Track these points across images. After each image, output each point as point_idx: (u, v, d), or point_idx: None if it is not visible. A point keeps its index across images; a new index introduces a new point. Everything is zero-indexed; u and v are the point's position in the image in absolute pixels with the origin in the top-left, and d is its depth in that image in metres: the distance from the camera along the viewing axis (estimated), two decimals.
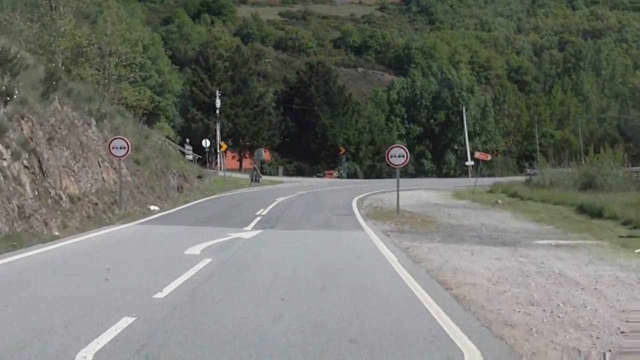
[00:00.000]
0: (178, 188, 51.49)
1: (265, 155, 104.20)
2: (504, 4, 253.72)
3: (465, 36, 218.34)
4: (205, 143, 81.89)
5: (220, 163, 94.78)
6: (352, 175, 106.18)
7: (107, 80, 67.82)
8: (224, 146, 71.51)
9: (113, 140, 35.15)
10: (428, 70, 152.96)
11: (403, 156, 37.52)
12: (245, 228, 27.05)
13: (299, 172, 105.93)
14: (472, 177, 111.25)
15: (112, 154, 34.84)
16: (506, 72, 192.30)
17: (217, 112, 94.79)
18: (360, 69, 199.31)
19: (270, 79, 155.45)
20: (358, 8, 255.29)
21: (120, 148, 34.43)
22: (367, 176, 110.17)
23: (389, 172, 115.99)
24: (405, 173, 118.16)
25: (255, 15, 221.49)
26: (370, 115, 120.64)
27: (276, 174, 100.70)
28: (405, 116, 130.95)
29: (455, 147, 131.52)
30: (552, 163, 65.91)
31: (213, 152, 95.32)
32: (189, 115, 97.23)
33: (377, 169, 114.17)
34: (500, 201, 48.59)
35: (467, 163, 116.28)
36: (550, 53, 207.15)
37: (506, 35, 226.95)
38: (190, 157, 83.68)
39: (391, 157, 37.71)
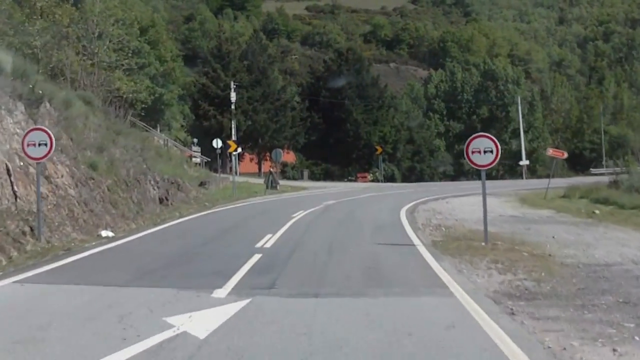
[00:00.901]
0: (162, 200, 38.51)
1: (288, 156, 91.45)
2: None
3: (504, 28, 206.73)
4: (217, 143, 69.40)
5: (234, 166, 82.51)
6: (389, 178, 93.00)
7: (95, 68, 56.70)
8: (233, 146, 58.08)
9: (28, 133, 22.20)
10: (465, 64, 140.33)
11: (492, 151, 23.40)
12: (215, 293, 13.86)
13: (327, 176, 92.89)
14: (526, 179, 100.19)
15: (25, 153, 21.95)
16: (548, 65, 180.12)
17: (233, 107, 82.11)
18: (392, 64, 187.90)
19: (297, 76, 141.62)
20: (389, 1, 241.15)
21: (40, 145, 21.63)
22: (405, 179, 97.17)
23: (430, 175, 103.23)
24: (444, 175, 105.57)
25: (280, 10, 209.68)
26: (409, 110, 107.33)
27: (300, 178, 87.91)
28: (444, 112, 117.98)
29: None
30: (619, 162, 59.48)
31: (227, 154, 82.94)
32: (200, 111, 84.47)
33: (416, 171, 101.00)
34: (597, 211, 36.12)
35: (521, 163, 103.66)
36: (595, 44, 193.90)
37: (547, 27, 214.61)
38: (198, 159, 71.02)
39: (473, 153, 23.46)
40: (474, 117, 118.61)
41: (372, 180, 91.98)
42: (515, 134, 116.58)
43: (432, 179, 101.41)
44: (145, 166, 38.56)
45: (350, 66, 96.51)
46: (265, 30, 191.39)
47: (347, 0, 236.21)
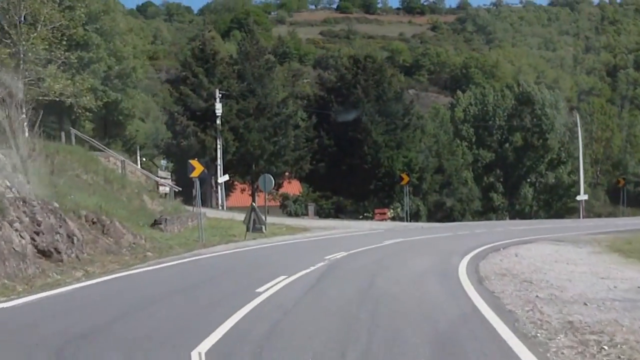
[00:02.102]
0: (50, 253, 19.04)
1: (290, 186, 71.15)
2: (569, 21, 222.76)
3: (529, 55, 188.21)
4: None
5: (220, 198, 62.34)
6: (412, 215, 72.21)
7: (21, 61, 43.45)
8: (199, 168, 36.78)
9: None
10: (493, 90, 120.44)
11: None
12: None
13: (339, 211, 71.67)
14: (582, 217, 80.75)
15: None
16: (576, 94, 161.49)
17: (218, 122, 61.99)
18: (412, 91, 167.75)
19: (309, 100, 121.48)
20: (407, 27, 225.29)
21: None
22: (431, 216, 76.96)
23: (461, 211, 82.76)
24: (472, 212, 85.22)
25: (292, 33, 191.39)
26: (437, 133, 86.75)
27: (305, 215, 67.42)
28: (473, 139, 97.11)
29: (534, 179, 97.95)
30: None
31: (210, 182, 62.57)
32: (177, 127, 64.07)
33: (445, 207, 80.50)
34: None
35: (578, 198, 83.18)
36: (627, 72, 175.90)
37: (573, 55, 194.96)
38: (167, 189, 51.00)
39: None
40: (507, 144, 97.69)
41: (393, 218, 71.86)
42: (553, 164, 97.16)
43: (463, 217, 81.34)
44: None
45: (369, 76, 75.32)
46: (275, 53, 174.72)
47: (363, 27, 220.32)
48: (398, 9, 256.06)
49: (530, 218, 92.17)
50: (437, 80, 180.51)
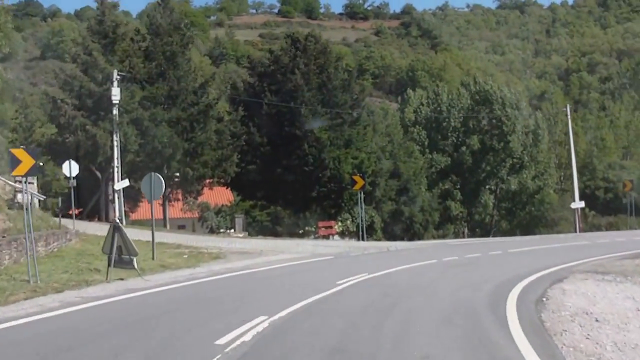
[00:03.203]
0: None
1: (214, 194, 55.92)
2: (518, 25, 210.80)
3: (478, 59, 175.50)
4: (70, 169, 35.04)
5: (118, 209, 46.95)
6: (367, 230, 57.12)
7: None
8: (26, 162, 21.11)
9: None
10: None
11: None
12: None
13: (276, 224, 56.78)
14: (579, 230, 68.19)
15: None
16: (527, 99, 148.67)
17: (115, 112, 46.77)
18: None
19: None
20: (350, 32, 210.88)
21: None
22: (387, 230, 62.50)
23: (423, 223, 68.21)
24: (426, 222, 70.76)
25: (229, 33, 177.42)
26: (392, 132, 71.88)
27: (231, 228, 52.30)
28: (426, 142, 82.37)
29: (494, 185, 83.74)
30: None
31: (106, 189, 47.31)
32: (61, 116, 47.82)
33: (404, 217, 65.74)
34: None
35: (573, 205, 70.27)
36: (580, 75, 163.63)
37: (522, 59, 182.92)
38: (20, 197, 35.61)
39: None
40: (463, 148, 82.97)
41: (342, 233, 57.11)
42: (515, 169, 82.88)
43: (425, 229, 66.96)
44: None
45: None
46: (212, 55, 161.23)
47: (305, 31, 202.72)
48: (341, 14, 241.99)
49: (492, 229, 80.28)
50: (381, 84, 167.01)
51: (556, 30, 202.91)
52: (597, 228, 72.53)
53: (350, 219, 57.99)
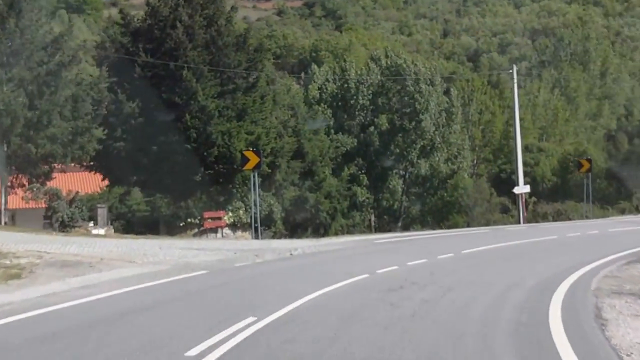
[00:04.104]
0: None
1: (67, 179, 44.85)
2: (427, 4, 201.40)
3: (384, 39, 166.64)
4: None
5: None
6: (264, 220, 46.83)
7: None
8: None
9: None
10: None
11: None
12: None
13: (152, 221, 46.04)
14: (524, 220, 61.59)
15: None
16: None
17: None
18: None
19: None
20: (251, 12, 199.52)
21: None
22: (288, 220, 52.47)
23: (330, 211, 58.06)
24: (334, 210, 60.53)
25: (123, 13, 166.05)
26: (295, 105, 61.61)
27: (95, 224, 41.49)
28: (331, 123, 72.29)
29: (403, 169, 74.40)
30: None
31: None
32: None
33: (308, 207, 55.32)
34: None
35: (516, 190, 64.01)
36: (490, 56, 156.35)
37: (431, 39, 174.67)
38: None
39: None
40: (371, 128, 73.42)
41: (233, 225, 46.73)
42: (425, 152, 73.87)
43: (333, 219, 56.85)
44: None
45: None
46: (105, 35, 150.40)
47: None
48: None
49: (401, 215, 72.05)
50: (283, 65, 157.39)
51: (467, 9, 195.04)
52: (542, 217, 64.94)
53: (244, 208, 47.54)
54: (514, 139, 70.74)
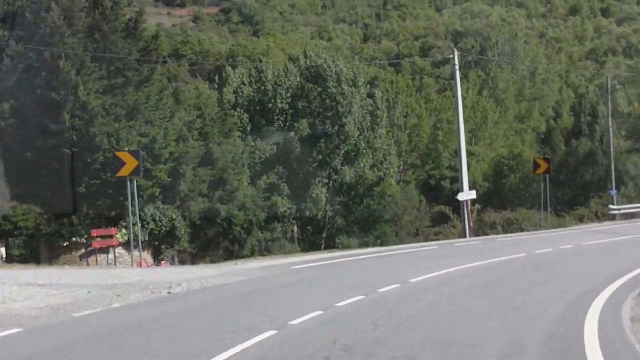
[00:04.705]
0: None
1: None
2: (347, 8, 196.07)
3: (304, 43, 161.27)
4: None
5: None
6: (165, 236, 39.61)
7: None
8: None
9: None
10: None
11: None
12: None
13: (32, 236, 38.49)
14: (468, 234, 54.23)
15: None
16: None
17: None
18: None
19: None
20: (166, 18, 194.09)
21: None
22: (198, 236, 45.31)
23: (245, 225, 50.61)
24: (249, 224, 52.93)
25: None
26: (203, 105, 54.25)
27: None
28: (248, 128, 65.51)
29: (326, 178, 67.46)
30: None
31: None
32: None
33: (219, 220, 47.95)
34: None
35: (460, 196, 56.38)
36: (412, 60, 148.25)
37: (351, 44, 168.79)
38: None
39: None
40: (291, 134, 66.60)
41: (125, 244, 39.29)
42: (350, 158, 67.44)
43: (249, 233, 49.40)
44: None
45: None
46: None
47: None
48: (157, 1, 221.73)
49: (325, 225, 65.73)
50: (199, 71, 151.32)
51: (387, 13, 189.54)
52: (490, 227, 57.31)
53: (140, 224, 40.01)
54: (457, 136, 62.84)
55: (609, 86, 73.39)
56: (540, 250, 35.48)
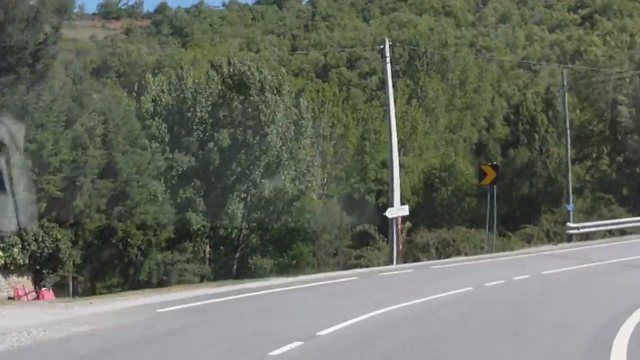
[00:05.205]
0: None
1: None
2: (275, 20, 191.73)
3: (232, 55, 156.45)
4: None
5: None
6: (45, 261, 32.89)
7: None
8: None
9: None
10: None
11: None
12: None
13: None
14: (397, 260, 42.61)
15: None
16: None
17: None
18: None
19: None
20: (100, 31, 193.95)
21: None
22: (91, 258, 38.57)
23: (144, 249, 43.52)
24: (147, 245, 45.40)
25: None
26: (107, 110, 47.14)
27: None
28: (167, 139, 59.11)
29: (244, 192, 60.89)
30: None
31: None
32: None
33: (114, 241, 41.07)
34: None
35: (389, 213, 45.32)
36: (339, 71, 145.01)
37: (278, 56, 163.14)
38: None
39: None
40: (211, 144, 60.49)
41: (3, 268, 32.43)
42: (270, 170, 60.80)
43: (146, 255, 42.41)
44: None
45: None
46: None
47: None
48: (95, 14, 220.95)
49: (239, 245, 58.69)
50: (126, 83, 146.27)
51: (315, 24, 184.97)
52: (422, 250, 47.05)
53: (20, 245, 33.05)
54: (389, 136, 51.78)
55: (565, 82, 61.14)
56: (491, 283, 27.53)
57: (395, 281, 31.70)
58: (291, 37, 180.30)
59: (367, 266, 43.97)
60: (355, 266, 45.57)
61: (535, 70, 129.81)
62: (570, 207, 53.63)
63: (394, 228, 44.57)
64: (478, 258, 42.13)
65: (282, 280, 34.26)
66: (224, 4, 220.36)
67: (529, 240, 51.74)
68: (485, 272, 32.11)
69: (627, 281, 28.23)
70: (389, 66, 50.96)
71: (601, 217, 56.44)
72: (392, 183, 48.21)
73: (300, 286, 30.63)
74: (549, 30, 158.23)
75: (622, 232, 53.61)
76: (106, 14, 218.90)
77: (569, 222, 52.38)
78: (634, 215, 55.52)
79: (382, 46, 52.69)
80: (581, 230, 52.20)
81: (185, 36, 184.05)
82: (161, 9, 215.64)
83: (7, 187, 30.86)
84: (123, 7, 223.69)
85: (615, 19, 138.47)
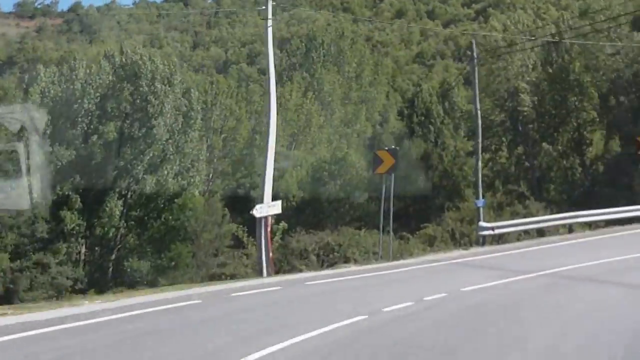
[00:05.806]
0: None
1: None
2: (179, 17, 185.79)
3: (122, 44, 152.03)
4: None
5: None
6: None
7: None
8: None
9: None
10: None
11: None
12: None
13: None
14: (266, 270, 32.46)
15: None
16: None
17: None
18: None
19: None
20: (13, 29, 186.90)
21: None
22: None
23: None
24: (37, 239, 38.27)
25: None
26: None
27: None
28: (48, 132, 51.50)
29: (125, 189, 52.72)
30: None
31: None
32: None
33: None
34: None
35: (256, 211, 33.52)
36: (239, 67, 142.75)
37: (180, 52, 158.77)
38: None
39: None
40: (94, 137, 53.47)
41: None
42: (154, 165, 52.72)
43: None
44: None
45: None
46: None
47: None
48: (10, 12, 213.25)
49: (116, 246, 50.86)
50: (30, 82, 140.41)
51: (218, 20, 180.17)
52: (300, 256, 36.10)
53: None
54: (267, 125, 38.75)
55: (475, 54, 45.23)
56: (391, 307, 18.29)
57: (251, 308, 20.53)
58: (194, 33, 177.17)
59: (234, 276, 36.45)
60: (220, 277, 38.20)
61: (430, 65, 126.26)
62: (481, 202, 42.34)
63: (263, 230, 33.93)
64: (372, 269, 31.70)
65: (105, 305, 21.53)
66: (134, 2, 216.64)
67: (431, 243, 41.78)
68: (382, 290, 23.84)
69: (582, 304, 19.37)
70: (270, 25, 40.33)
71: (515, 215, 46.08)
72: (265, 174, 35.37)
73: (123, 314, 19.40)
74: (443, 25, 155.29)
75: (540, 232, 43.05)
76: (22, 12, 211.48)
77: (481, 221, 41.17)
78: (552, 212, 45.60)
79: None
80: (497, 231, 41.19)
81: (94, 33, 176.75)
82: (75, 8, 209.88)
83: None
84: (39, 6, 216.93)
85: (509, 11, 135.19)
